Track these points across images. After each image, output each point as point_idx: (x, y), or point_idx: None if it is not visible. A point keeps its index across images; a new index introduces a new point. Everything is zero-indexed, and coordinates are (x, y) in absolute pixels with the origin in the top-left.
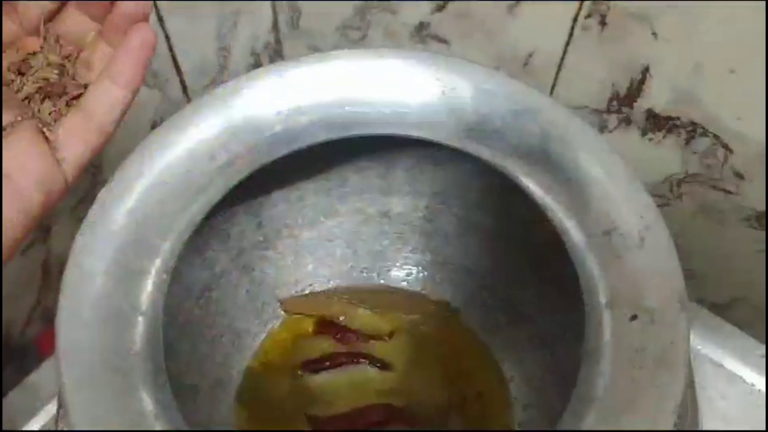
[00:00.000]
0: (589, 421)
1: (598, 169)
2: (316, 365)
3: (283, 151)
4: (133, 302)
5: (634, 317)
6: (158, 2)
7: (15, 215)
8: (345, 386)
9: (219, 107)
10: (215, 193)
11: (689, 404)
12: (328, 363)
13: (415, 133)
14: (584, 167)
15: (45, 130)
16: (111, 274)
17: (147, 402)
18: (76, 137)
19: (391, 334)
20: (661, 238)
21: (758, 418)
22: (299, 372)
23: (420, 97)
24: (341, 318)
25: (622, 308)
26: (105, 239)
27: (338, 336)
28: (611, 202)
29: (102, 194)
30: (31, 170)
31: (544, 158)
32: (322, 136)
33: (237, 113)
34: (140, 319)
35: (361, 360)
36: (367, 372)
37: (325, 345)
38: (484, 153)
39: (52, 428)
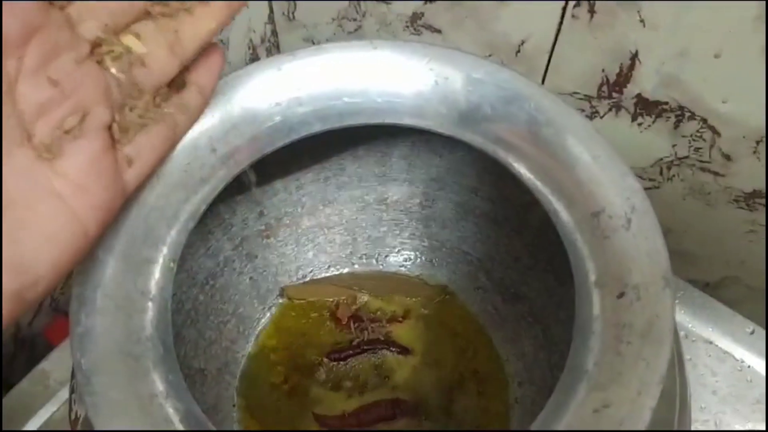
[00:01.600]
0: (580, 393)
1: (585, 154)
2: (341, 354)
3: (282, 141)
4: (142, 289)
5: (621, 294)
6: None
7: (68, 238)
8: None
9: (219, 100)
10: (217, 183)
11: (678, 379)
12: (351, 351)
13: (408, 121)
14: (572, 152)
15: (120, 138)
16: (121, 262)
17: (158, 384)
18: (151, 148)
19: (404, 316)
20: (646, 219)
21: (747, 394)
22: (323, 359)
23: (413, 87)
24: (352, 306)
25: (610, 286)
26: (114, 230)
27: (356, 325)
28: (599, 185)
29: None
30: (92, 192)
31: (534, 143)
32: (318, 127)
33: (236, 106)
34: (150, 304)
35: (382, 347)
36: (386, 357)
37: (330, 331)
38: (476, 140)
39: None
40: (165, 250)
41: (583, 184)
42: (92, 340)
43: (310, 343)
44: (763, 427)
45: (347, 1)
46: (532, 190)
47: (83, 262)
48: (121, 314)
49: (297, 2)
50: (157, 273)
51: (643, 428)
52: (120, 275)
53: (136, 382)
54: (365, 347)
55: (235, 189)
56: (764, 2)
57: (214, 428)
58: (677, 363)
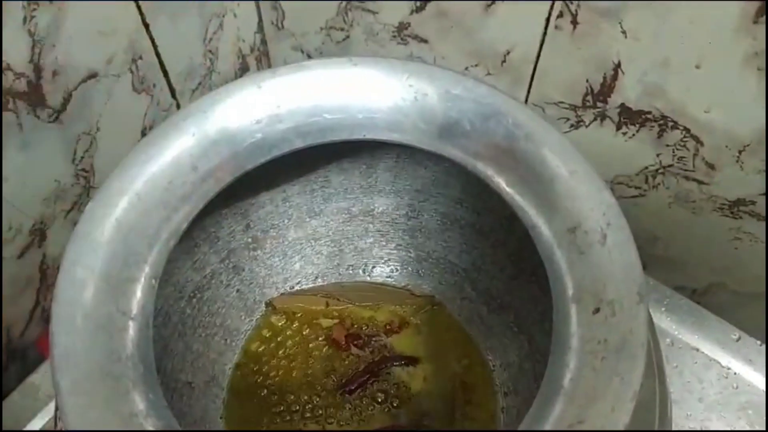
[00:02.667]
0: (557, 409)
1: (562, 169)
2: (352, 384)
3: (264, 158)
4: (123, 308)
5: (597, 310)
6: (142, 6)
7: None
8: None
9: (199, 118)
10: (198, 201)
11: (657, 390)
12: (362, 378)
13: (389, 136)
14: (550, 167)
15: None
16: (101, 282)
17: (138, 403)
18: None
19: (400, 326)
20: (621, 234)
21: (733, 401)
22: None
23: (393, 103)
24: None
25: (585, 302)
26: (94, 249)
27: (356, 343)
28: (576, 200)
29: (90, 206)
30: None
31: (512, 159)
32: (299, 143)
33: (217, 123)
34: (130, 323)
35: (389, 364)
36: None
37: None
38: (456, 154)
39: (53, 428)
40: (146, 268)
41: (561, 199)
42: (72, 361)
43: (306, 372)
44: None
45: (335, 11)
46: (511, 205)
47: (62, 282)
48: (101, 334)
49: (285, 12)
50: (138, 292)
51: None
52: (100, 295)
53: (116, 401)
54: (374, 368)
55: (221, 202)
56: (745, 15)
57: None
58: (657, 373)
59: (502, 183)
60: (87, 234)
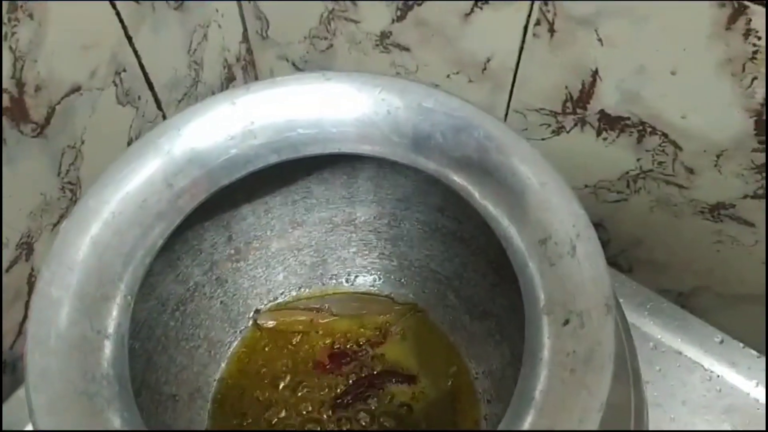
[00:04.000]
0: (527, 420)
1: (533, 180)
2: (345, 398)
3: (238, 174)
4: (98, 327)
5: (566, 321)
6: (125, 19)
7: None
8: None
9: (173, 136)
10: (174, 217)
11: (632, 395)
12: (357, 392)
13: (363, 150)
14: (521, 179)
15: None
16: (76, 301)
17: (113, 421)
18: None
19: (385, 335)
20: (590, 245)
21: (716, 404)
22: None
23: (366, 117)
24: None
25: (556, 313)
26: (69, 268)
27: (344, 361)
28: (547, 211)
29: (65, 225)
30: None
31: (484, 170)
32: (274, 158)
33: (191, 141)
34: (105, 342)
35: (385, 380)
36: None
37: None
38: (430, 166)
39: None
40: (122, 286)
41: (532, 210)
42: (47, 381)
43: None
44: None
45: (318, 21)
46: (485, 216)
47: (37, 302)
48: (75, 353)
49: (270, 21)
50: (113, 311)
51: None
52: (75, 314)
53: (91, 420)
54: (368, 381)
55: (203, 215)
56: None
57: None
58: (632, 378)
59: (475, 194)
60: (62, 253)
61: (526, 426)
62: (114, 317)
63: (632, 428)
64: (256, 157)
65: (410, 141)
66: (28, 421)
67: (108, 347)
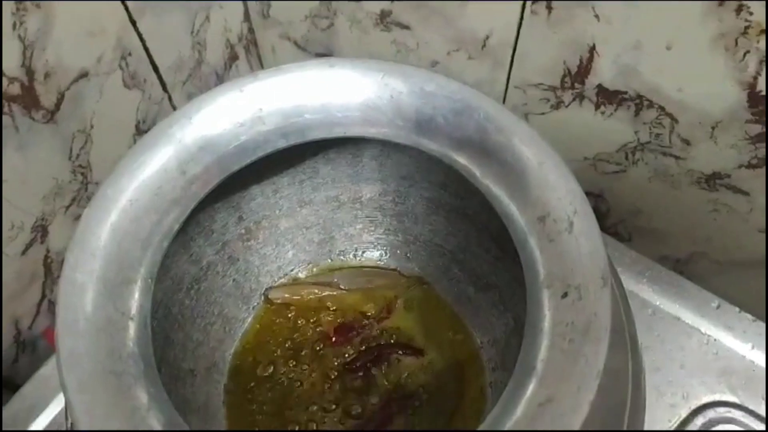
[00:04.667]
0: (529, 388)
1: (532, 160)
2: (357, 363)
3: (249, 159)
4: (122, 309)
5: (565, 294)
6: (128, 5)
7: None
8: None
9: (184, 125)
10: (188, 203)
11: (630, 362)
12: (367, 359)
13: (367, 133)
14: (520, 158)
15: None
16: (100, 285)
17: (141, 397)
18: None
19: (392, 307)
20: (586, 221)
21: (713, 367)
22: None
23: (370, 101)
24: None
25: (555, 287)
26: (92, 254)
27: (352, 334)
28: (545, 189)
29: (85, 213)
30: None
31: (484, 150)
32: (283, 143)
33: (202, 129)
34: (130, 323)
35: (392, 351)
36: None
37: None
38: (433, 147)
39: (63, 420)
40: (142, 270)
41: (531, 188)
42: (77, 361)
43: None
44: (730, 398)
45: (318, 0)
46: (486, 194)
47: (64, 287)
48: (102, 335)
49: (271, 1)
50: (135, 293)
51: (581, 419)
52: (99, 298)
53: (120, 397)
54: (378, 351)
55: (214, 197)
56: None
57: None
58: (629, 345)
59: (477, 174)
60: (84, 240)
61: (528, 394)
62: (136, 299)
63: (629, 392)
64: (265, 142)
65: (413, 124)
66: (50, 400)
67: (132, 328)
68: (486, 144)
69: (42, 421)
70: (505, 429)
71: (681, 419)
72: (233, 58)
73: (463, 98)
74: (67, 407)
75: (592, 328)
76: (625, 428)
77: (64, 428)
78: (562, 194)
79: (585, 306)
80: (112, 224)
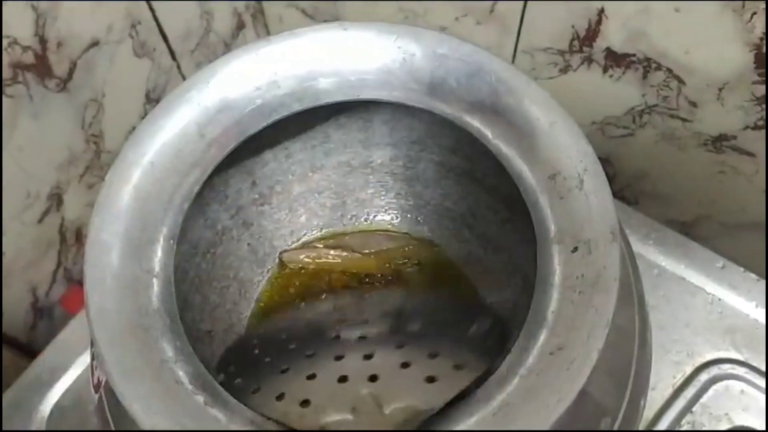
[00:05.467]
0: (540, 338)
1: (543, 120)
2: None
3: (265, 122)
4: (146, 267)
5: (575, 249)
6: None
7: None
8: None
9: (202, 89)
10: (207, 165)
11: (636, 318)
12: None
13: (381, 96)
14: (531, 119)
15: None
16: (125, 245)
17: (167, 350)
18: None
19: (403, 269)
20: (596, 179)
21: (718, 325)
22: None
23: (383, 64)
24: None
25: (566, 242)
26: (116, 216)
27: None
28: (555, 149)
29: (108, 177)
30: None
31: (496, 112)
32: (297, 107)
33: (219, 92)
34: (154, 281)
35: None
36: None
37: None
38: (445, 110)
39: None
40: (164, 230)
41: (542, 148)
42: (105, 317)
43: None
44: (734, 355)
45: None
46: (497, 155)
47: (91, 247)
48: (129, 292)
49: None
50: (158, 252)
51: (590, 366)
52: (125, 257)
53: (147, 350)
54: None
55: (228, 162)
56: None
57: (219, 387)
58: (637, 302)
59: (488, 135)
60: (108, 202)
61: (539, 343)
62: (160, 258)
63: (636, 348)
64: (281, 105)
65: (426, 87)
66: (70, 364)
67: (157, 285)
68: (498, 105)
69: (62, 385)
70: (518, 374)
71: (686, 376)
72: (240, 26)
73: (476, 60)
74: (95, 362)
75: (602, 280)
76: (631, 382)
77: (82, 394)
78: (572, 153)
79: (595, 259)
80: (134, 186)
